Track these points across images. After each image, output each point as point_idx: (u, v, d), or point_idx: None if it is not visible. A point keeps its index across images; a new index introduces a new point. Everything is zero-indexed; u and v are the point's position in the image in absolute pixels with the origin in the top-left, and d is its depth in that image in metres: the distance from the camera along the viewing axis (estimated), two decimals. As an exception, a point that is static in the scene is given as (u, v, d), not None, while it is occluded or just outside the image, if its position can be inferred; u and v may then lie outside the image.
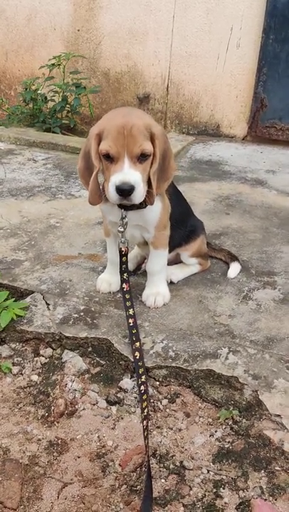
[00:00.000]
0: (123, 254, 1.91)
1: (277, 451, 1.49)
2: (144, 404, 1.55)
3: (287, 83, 4.03)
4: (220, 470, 1.46)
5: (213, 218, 2.80)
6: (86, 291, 2.10)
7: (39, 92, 4.33)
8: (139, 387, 1.62)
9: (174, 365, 1.73)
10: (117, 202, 1.68)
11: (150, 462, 1.45)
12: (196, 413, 1.64)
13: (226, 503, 1.37)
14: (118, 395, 1.69)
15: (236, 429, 1.57)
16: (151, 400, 1.67)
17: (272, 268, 2.32)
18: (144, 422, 1.49)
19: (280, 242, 2.57)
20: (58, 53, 4.29)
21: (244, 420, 1.58)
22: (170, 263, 2.15)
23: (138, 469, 1.47)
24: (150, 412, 1.63)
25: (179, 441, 1.55)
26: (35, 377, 1.77)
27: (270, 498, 1.38)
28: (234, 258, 2.29)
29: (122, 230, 1.84)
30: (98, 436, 1.56)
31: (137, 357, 1.71)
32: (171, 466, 1.47)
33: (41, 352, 1.86)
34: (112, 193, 1.64)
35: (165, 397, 1.69)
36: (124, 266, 1.92)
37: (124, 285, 1.90)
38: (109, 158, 1.63)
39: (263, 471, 1.45)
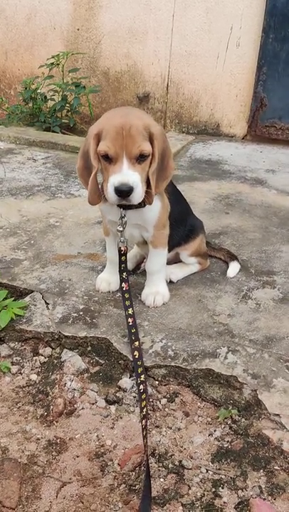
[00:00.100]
0: (122, 254, 1.91)
1: (276, 450, 1.49)
2: (143, 403, 1.55)
3: (287, 82, 4.03)
4: (219, 469, 1.46)
5: (213, 217, 2.79)
6: (85, 290, 2.10)
7: (39, 91, 4.33)
8: (138, 386, 1.62)
9: (173, 364, 1.73)
10: (116, 202, 1.69)
11: (149, 461, 1.45)
12: (195, 412, 1.64)
13: (224, 502, 1.37)
14: (117, 394, 1.69)
15: (235, 428, 1.57)
16: (151, 400, 1.67)
17: (272, 267, 2.32)
18: (143, 421, 1.49)
19: (279, 241, 2.57)
20: (57, 52, 4.28)
21: (243, 420, 1.58)
22: (169, 262, 2.15)
23: (137, 469, 1.47)
24: (149, 412, 1.63)
25: (178, 441, 1.55)
26: (34, 377, 1.77)
27: (269, 497, 1.38)
28: (233, 257, 2.29)
29: (121, 229, 1.83)
30: (97, 436, 1.56)
31: (136, 356, 1.71)
32: (170, 465, 1.47)
33: (40, 351, 1.85)
34: (110, 193, 1.64)
35: (164, 397, 1.69)
36: (123, 265, 1.92)
37: (123, 284, 1.89)
38: (108, 158, 1.63)
39: (262, 471, 1.45)
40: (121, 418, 1.62)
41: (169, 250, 2.04)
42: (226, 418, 1.59)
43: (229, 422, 1.59)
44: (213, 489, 1.40)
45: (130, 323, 1.80)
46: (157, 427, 1.59)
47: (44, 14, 4.62)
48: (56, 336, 1.86)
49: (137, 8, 4.28)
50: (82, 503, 1.37)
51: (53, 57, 4.24)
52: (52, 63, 4.24)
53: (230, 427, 1.57)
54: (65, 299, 2.04)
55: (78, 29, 4.55)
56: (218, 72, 4.23)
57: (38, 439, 1.55)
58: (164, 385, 1.72)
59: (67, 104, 4.27)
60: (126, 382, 1.72)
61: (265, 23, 3.91)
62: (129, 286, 1.89)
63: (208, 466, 1.47)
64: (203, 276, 2.23)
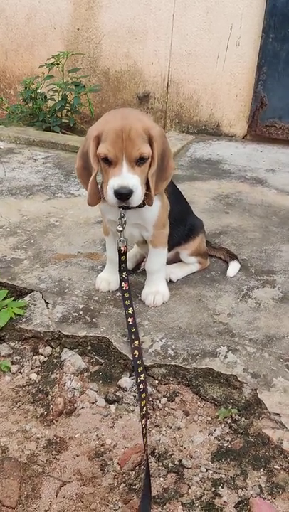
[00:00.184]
0: (122, 253, 1.91)
1: (276, 449, 1.49)
2: (143, 402, 1.55)
3: (287, 82, 4.02)
4: (219, 469, 1.46)
5: (213, 217, 2.79)
6: (85, 289, 2.10)
7: (39, 91, 4.33)
8: (138, 385, 1.62)
9: (173, 363, 1.73)
10: (116, 205, 1.69)
11: (149, 461, 1.45)
12: (195, 412, 1.63)
13: (224, 501, 1.37)
14: (117, 393, 1.69)
15: (235, 427, 1.56)
16: (150, 399, 1.67)
17: (272, 267, 2.32)
18: (143, 420, 1.49)
19: (279, 241, 2.57)
20: (57, 52, 4.28)
21: (243, 419, 1.58)
22: (169, 262, 2.15)
23: (137, 468, 1.46)
24: (149, 411, 1.63)
25: (178, 440, 1.55)
26: (34, 376, 1.77)
27: (269, 496, 1.38)
28: (233, 257, 2.29)
29: (121, 229, 1.83)
30: (97, 435, 1.56)
31: (136, 355, 1.70)
32: (170, 464, 1.47)
33: (40, 351, 1.85)
34: (110, 196, 1.64)
35: (164, 396, 1.69)
36: (123, 265, 1.92)
37: (123, 284, 1.89)
38: (107, 161, 1.63)
39: (261, 470, 1.45)
40: (121, 417, 1.62)
41: (169, 250, 2.04)
42: (225, 417, 1.59)
43: (229, 421, 1.59)
44: (213, 488, 1.40)
45: (130, 323, 1.80)
46: (157, 426, 1.59)
47: (44, 14, 4.62)
48: (56, 336, 1.86)
49: (137, 7, 4.28)
50: (82, 502, 1.37)
51: (53, 57, 4.24)
52: (52, 63, 4.24)
53: (230, 426, 1.57)
54: (65, 298, 2.04)
55: (78, 29, 4.55)
56: (218, 72, 4.23)
57: (38, 438, 1.55)
58: (164, 384, 1.71)
59: (67, 104, 4.27)
60: (126, 381, 1.71)
61: (265, 23, 3.91)
62: (129, 286, 1.89)
63: (208, 465, 1.47)
64: (203, 276, 2.22)
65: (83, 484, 1.42)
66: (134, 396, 1.68)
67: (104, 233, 2.05)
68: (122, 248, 1.90)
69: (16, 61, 4.91)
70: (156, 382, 1.72)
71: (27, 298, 2.04)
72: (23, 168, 3.45)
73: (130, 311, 1.83)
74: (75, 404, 1.66)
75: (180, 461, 1.48)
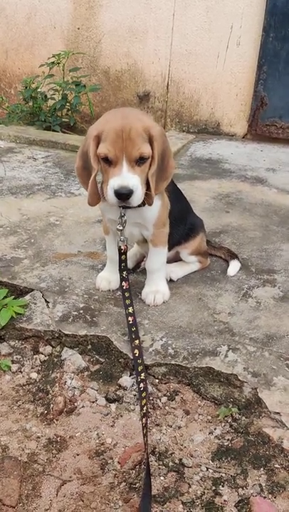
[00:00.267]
0: (122, 253, 1.91)
1: (277, 448, 1.49)
2: (144, 401, 1.55)
3: (288, 81, 4.02)
4: (219, 468, 1.46)
5: (213, 216, 2.79)
6: (85, 289, 2.10)
7: (39, 90, 4.32)
8: (139, 384, 1.62)
9: (173, 362, 1.73)
10: (116, 204, 1.70)
11: (149, 460, 1.45)
12: (196, 411, 1.63)
13: (225, 500, 1.37)
14: (117, 392, 1.69)
15: (236, 426, 1.56)
16: (151, 398, 1.67)
17: (272, 266, 2.32)
18: (144, 419, 1.49)
19: (280, 240, 2.57)
20: (58, 52, 4.28)
21: (243, 418, 1.58)
22: (170, 261, 2.14)
23: (137, 467, 1.46)
24: (149, 410, 1.63)
25: (178, 439, 1.55)
26: (34, 375, 1.77)
27: (270, 495, 1.38)
28: (234, 256, 2.29)
29: (121, 228, 1.83)
30: (97, 434, 1.56)
31: (137, 354, 1.70)
32: (171, 463, 1.47)
33: (40, 350, 1.85)
34: (110, 195, 1.64)
35: (164, 395, 1.69)
36: (123, 264, 1.92)
37: (123, 283, 1.89)
38: (107, 161, 1.63)
39: (262, 469, 1.45)
40: (121, 416, 1.62)
41: (169, 249, 2.04)
42: (226, 416, 1.59)
43: (229, 420, 1.59)
44: (214, 487, 1.40)
45: (130, 322, 1.79)
46: (157, 425, 1.59)
47: (44, 13, 4.62)
48: (56, 335, 1.86)
49: (137, 7, 4.27)
50: (83, 501, 1.37)
51: (53, 56, 4.24)
52: (52, 62, 4.23)
53: (231, 425, 1.57)
54: (66, 297, 2.04)
55: (78, 28, 4.55)
56: (219, 71, 4.23)
57: (38, 437, 1.55)
58: (165, 384, 1.71)
59: (67, 103, 4.26)
60: (126, 380, 1.71)
61: (266, 22, 3.91)
62: (129, 285, 1.89)
63: (209, 464, 1.47)
64: (204, 275, 2.22)
65: (83, 483, 1.42)
66: (135, 395, 1.68)
67: (104, 232, 2.05)
68: (123, 247, 1.90)
69: (17, 60, 4.90)
70: (157, 381, 1.72)
71: (27, 297, 2.03)
72: (24, 167, 3.45)
73: (130, 310, 1.83)
74: (75, 403, 1.66)
75: (180, 460, 1.48)
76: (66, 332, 1.85)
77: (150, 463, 1.46)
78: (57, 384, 1.72)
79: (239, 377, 1.67)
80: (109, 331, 1.85)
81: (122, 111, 1.71)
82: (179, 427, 1.58)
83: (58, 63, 4.25)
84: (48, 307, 1.98)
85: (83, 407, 1.65)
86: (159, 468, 1.46)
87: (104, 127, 1.63)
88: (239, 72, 4.18)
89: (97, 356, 1.81)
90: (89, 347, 1.83)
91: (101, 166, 1.68)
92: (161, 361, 1.74)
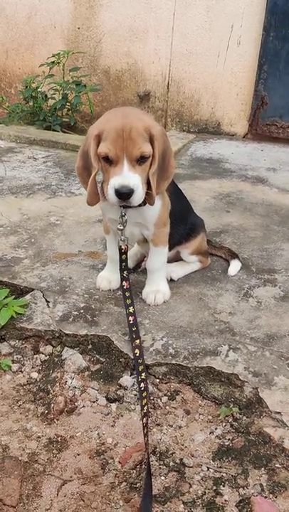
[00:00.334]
0: (123, 252, 1.91)
1: (278, 448, 1.49)
2: (144, 401, 1.55)
3: (288, 81, 4.01)
4: (220, 467, 1.45)
5: (214, 216, 2.79)
6: (86, 288, 2.10)
7: (39, 90, 4.32)
8: (139, 384, 1.62)
9: (174, 362, 1.73)
10: (117, 204, 1.69)
11: (150, 459, 1.45)
12: (196, 410, 1.63)
13: (226, 500, 1.36)
14: (118, 392, 1.69)
15: (236, 426, 1.56)
16: (151, 397, 1.67)
17: (273, 265, 2.32)
18: (144, 419, 1.49)
19: (280, 239, 2.56)
20: (58, 51, 4.27)
21: (244, 417, 1.58)
22: (170, 260, 2.14)
23: (138, 467, 1.46)
24: (150, 410, 1.63)
25: (179, 439, 1.54)
26: (34, 375, 1.77)
27: (271, 495, 1.37)
28: (234, 255, 2.29)
29: (122, 227, 1.83)
30: (98, 434, 1.56)
31: (137, 354, 1.70)
32: (171, 463, 1.47)
33: (41, 349, 1.85)
34: (111, 195, 1.64)
35: (165, 395, 1.68)
36: (124, 264, 1.91)
37: (124, 283, 1.89)
38: (108, 160, 1.63)
39: (263, 469, 1.44)
40: (122, 416, 1.62)
41: (170, 249, 2.03)
42: (227, 416, 1.59)
43: (230, 419, 1.58)
44: (214, 487, 1.40)
45: (131, 322, 1.79)
46: (158, 425, 1.59)
47: (44, 13, 4.62)
48: (57, 334, 1.86)
49: (137, 6, 4.27)
50: (83, 501, 1.36)
51: (53, 55, 4.24)
52: (52, 62, 4.23)
53: (232, 425, 1.57)
54: (66, 297, 2.04)
55: (79, 28, 4.55)
56: (219, 71, 4.23)
57: (39, 437, 1.55)
58: (165, 383, 1.71)
59: (67, 103, 4.26)
60: (127, 380, 1.71)
61: (266, 22, 3.90)
62: (129, 285, 1.89)
63: (209, 464, 1.47)
64: (204, 275, 2.22)
65: (84, 483, 1.42)
66: (135, 395, 1.67)
67: (104, 232, 2.05)
68: (123, 247, 1.90)
69: (17, 60, 4.90)
70: (157, 380, 1.72)
71: (28, 297, 2.03)
72: (24, 167, 3.45)
73: (131, 309, 1.83)
74: (75, 403, 1.66)
75: (181, 459, 1.48)
76: (67, 332, 1.85)
77: (151, 463, 1.46)
78: (57, 384, 1.72)
79: (240, 377, 1.67)
80: (109, 331, 1.85)
81: (123, 110, 1.71)
82: (180, 427, 1.58)
83: (58, 63, 4.25)
84: (49, 307, 1.98)
85: (84, 406, 1.65)
86: (160, 468, 1.46)
87: (105, 126, 1.62)
88: (240, 72, 4.18)
89: (97, 356, 1.81)
90: (89, 347, 1.83)
91: (102, 165, 1.68)
92: (161, 361, 1.74)
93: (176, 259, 2.20)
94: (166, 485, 1.41)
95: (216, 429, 1.57)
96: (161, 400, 1.67)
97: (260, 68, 4.04)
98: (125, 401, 1.66)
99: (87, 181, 1.73)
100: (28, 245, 2.42)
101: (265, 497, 1.37)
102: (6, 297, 1.95)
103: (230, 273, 2.23)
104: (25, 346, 1.87)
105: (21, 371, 1.79)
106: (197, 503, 1.36)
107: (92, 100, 4.54)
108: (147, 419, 1.51)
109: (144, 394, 1.58)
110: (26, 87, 4.31)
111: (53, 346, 1.85)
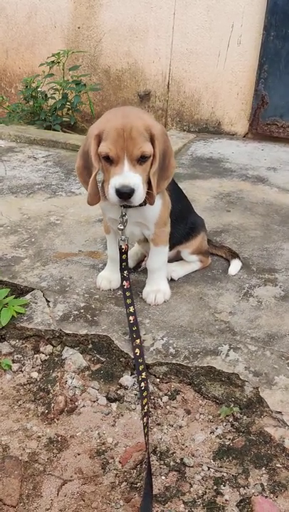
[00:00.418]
0: (123, 252, 1.90)
1: (278, 448, 1.49)
2: (145, 401, 1.55)
3: (288, 80, 4.01)
4: (220, 467, 1.45)
5: (214, 215, 2.79)
6: (86, 288, 2.10)
7: (39, 89, 4.32)
8: (140, 384, 1.62)
9: (174, 362, 1.72)
10: (117, 204, 1.69)
11: (150, 459, 1.45)
12: (197, 410, 1.63)
13: (226, 500, 1.36)
14: (118, 391, 1.69)
15: (237, 426, 1.56)
16: (152, 397, 1.67)
17: (273, 265, 2.32)
18: (145, 418, 1.49)
19: (281, 239, 2.56)
20: (58, 51, 4.27)
21: (245, 417, 1.58)
22: (171, 260, 2.14)
23: (138, 466, 1.46)
24: (150, 409, 1.63)
25: (180, 438, 1.54)
26: (35, 374, 1.76)
27: (271, 495, 1.37)
28: (235, 255, 2.29)
29: (122, 227, 1.83)
30: (98, 433, 1.56)
31: (138, 354, 1.70)
32: (172, 463, 1.47)
33: (41, 349, 1.85)
34: (111, 195, 1.64)
35: (165, 394, 1.68)
36: (124, 263, 1.91)
37: (124, 283, 1.89)
38: (108, 160, 1.62)
39: (263, 468, 1.44)
40: (122, 416, 1.62)
41: (170, 248, 2.03)
42: (227, 416, 1.59)
43: (231, 419, 1.58)
44: (215, 487, 1.40)
45: (131, 321, 1.79)
46: (158, 424, 1.59)
47: (45, 12, 4.61)
48: (57, 334, 1.86)
49: (137, 6, 4.27)
50: (84, 500, 1.36)
51: (53, 55, 4.24)
52: (52, 61, 4.23)
53: (232, 425, 1.57)
54: (66, 296, 2.04)
55: (79, 27, 4.54)
56: (219, 70, 4.22)
57: (39, 436, 1.55)
58: (166, 383, 1.71)
59: (67, 103, 4.26)
60: (127, 379, 1.71)
61: (266, 21, 3.90)
62: (130, 284, 1.89)
63: (210, 463, 1.46)
64: (205, 274, 2.22)
65: (84, 483, 1.41)
66: (136, 394, 1.67)
67: (105, 231, 2.05)
68: (123, 246, 1.90)
69: (17, 60, 4.90)
70: (158, 380, 1.72)
71: (28, 296, 2.03)
72: (24, 166, 3.45)
73: (131, 309, 1.83)
74: (76, 403, 1.66)
75: (182, 459, 1.47)
76: (67, 331, 1.85)
77: (151, 462, 1.45)
78: (58, 383, 1.72)
79: (240, 377, 1.66)
80: (110, 331, 1.85)
81: (123, 110, 1.70)
82: (180, 427, 1.58)
83: (58, 62, 4.25)
84: (49, 306, 1.98)
85: (84, 406, 1.65)
86: (160, 467, 1.46)
87: (105, 126, 1.62)
88: (240, 71, 4.17)
89: (98, 355, 1.80)
90: (90, 346, 1.82)
91: (102, 165, 1.67)
92: (162, 360, 1.73)
93: (176, 258, 2.19)
94: (167, 485, 1.41)
95: (216, 428, 1.56)
96: (161, 399, 1.67)
97: (260, 68, 4.04)
98: (126, 401, 1.66)
99: (87, 181, 1.73)
100: (28, 245, 2.42)
101: (266, 497, 1.36)
102: (6, 297, 1.95)
103: (230, 272, 2.22)
104: (26, 346, 1.87)
105: (21, 371, 1.79)
106: (198, 502, 1.36)
107: (93, 100, 4.54)
108: (148, 419, 1.51)
109: (145, 393, 1.58)
110: (26, 86, 4.31)
111: (53, 346, 1.85)
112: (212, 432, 1.55)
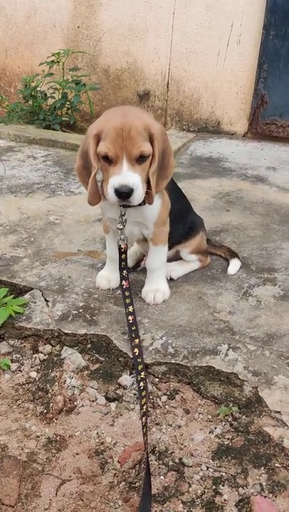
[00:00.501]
0: (122, 251, 1.90)
1: (277, 447, 1.49)
2: (144, 400, 1.54)
3: (288, 80, 4.01)
4: (219, 467, 1.45)
5: (214, 215, 2.78)
6: (85, 287, 2.09)
7: (39, 89, 4.32)
8: (139, 383, 1.61)
9: (173, 361, 1.72)
10: (116, 203, 1.69)
11: (149, 459, 1.45)
12: (196, 410, 1.63)
13: (225, 500, 1.36)
14: (117, 391, 1.68)
15: (236, 425, 1.56)
16: (151, 397, 1.67)
17: (273, 265, 2.31)
18: (143, 418, 1.48)
19: (280, 238, 2.56)
20: (57, 50, 4.27)
21: (244, 417, 1.58)
22: (170, 260, 2.14)
23: (137, 466, 1.46)
24: (149, 409, 1.63)
25: (179, 438, 1.54)
26: (33, 374, 1.76)
27: (270, 495, 1.37)
28: (234, 255, 2.28)
29: (121, 227, 1.83)
30: (97, 433, 1.56)
31: (136, 353, 1.70)
32: (171, 462, 1.47)
33: (40, 349, 1.85)
34: (111, 194, 1.63)
35: (164, 394, 1.68)
36: (123, 263, 1.91)
37: (123, 282, 1.89)
38: (107, 159, 1.62)
39: (262, 468, 1.44)
40: (121, 415, 1.62)
41: (170, 248, 2.03)
42: (226, 415, 1.59)
43: (230, 419, 1.58)
44: (214, 487, 1.39)
45: (130, 321, 1.79)
46: (157, 424, 1.59)
47: (44, 12, 4.61)
48: (56, 334, 1.85)
49: (137, 5, 4.26)
50: (82, 500, 1.36)
51: (53, 54, 4.23)
52: (52, 61, 4.23)
53: (231, 425, 1.56)
54: (65, 296, 2.03)
55: (78, 27, 4.54)
56: (219, 70, 4.22)
57: (38, 436, 1.55)
58: (165, 382, 1.71)
59: (67, 102, 4.26)
60: (126, 379, 1.71)
61: (266, 20, 3.90)
62: (129, 284, 1.89)
63: (209, 463, 1.46)
64: (204, 274, 2.22)
65: (83, 482, 1.41)
66: (135, 394, 1.67)
67: (104, 231, 2.05)
68: (123, 246, 1.89)
69: (16, 59, 4.89)
70: (157, 380, 1.71)
71: (27, 296, 2.03)
72: (23, 166, 3.45)
73: (130, 309, 1.83)
74: (75, 403, 1.65)
75: (180, 459, 1.47)
76: (66, 331, 1.85)
77: (150, 462, 1.45)
78: (56, 383, 1.71)
79: (239, 376, 1.66)
80: (109, 330, 1.85)
81: (122, 109, 1.70)
82: (179, 426, 1.58)
83: (58, 62, 4.25)
84: (48, 306, 1.97)
85: (83, 406, 1.65)
86: (159, 467, 1.45)
87: (104, 126, 1.62)
88: (239, 71, 4.17)
89: (96, 355, 1.80)
90: (89, 346, 1.82)
91: (101, 164, 1.67)
92: (161, 360, 1.73)
93: (175, 258, 2.19)
94: (166, 484, 1.41)
95: (215, 428, 1.56)
96: (160, 399, 1.66)
97: (259, 67, 4.04)
98: (124, 400, 1.66)
99: (87, 181, 1.73)
100: (27, 244, 2.42)
101: (265, 496, 1.36)
102: (5, 296, 1.94)
103: (229, 272, 2.22)
104: (25, 345, 1.87)
105: (20, 370, 1.78)
106: (196, 502, 1.35)
107: (92, 99, 4.53)
108: (146, 419, 1.51)
109: (144, 393, 1.57)
110: (26, 86, 4.31)
111: (52, 345, 1.85)
112: (211, 432, 1.55)
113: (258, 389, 1.62)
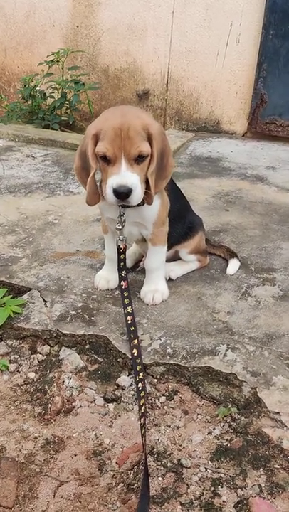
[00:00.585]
0: (121, 252, 1.90)
1: (276, 448, 1.48)
2: (142, 401, 1.54)
3: (288, 79, 4.00)
4: (218, 468, 1.44)
5: (213, 215, 2.78)
6: (84, 288, 2.09)
7: (38, 88, 4.31)
8: (137, 384, 1.61)
9: (172, 362, 1.72)
10: (115, 204, 1.68)
11: (147, 460, 1.44)
12: (194, 410, 1.62)
13: (224, 501, 1.35)
14: (116, 392, 1.68)
15: (235, 426, 1.55)
16: (149, 398, 1.66)
17: (272, 265, 2.31)
18: (142, 419, 1.48)
19: (279, 238, 2.55)
20: (57, 50, 4.26)
21: (243, 418, 1.57)
22: (169, 260, 2.13)
23: (135, 467, 1.45)
24: (148, 410, 1.62)
25: (177, 439, 1.53)
26: (32, 375, 1.76)
27: (269, 496, 1.37)
28: (233, 255, 2.28)
29: (120, 227, 1.82)
30: (95, 434, 1.55)
31: (135, 354, 1.69)
32: (169, 464, 1.46)
33: (38, 349, 1.84)
34: (109, 194, 1.63)
35: (163, 395, 1.67)
36: (122, 263, 1.90)
37: (122, 283, 1.88)
38: (106, 159, 1.61)
39: (261, 469, 1.43)
40: (119, 416, 1.61)
41: (169, 248, 2.02)
42: (225, 416, 1.58)
43: (228, 420, 1.58)
44: (212, 488, 1.39)
45: (129, 321, 1.78)
46: (156, 425, 1.58)
47: (43, 11, 4.60)
48: (54, 334, 1.85)
49: (136, 4, 4.26)
50: (80, 502, 1.35)
51: (52, 54, 4.23)
52: (51, 60, 4.22)
53: (230, 425, 1.56)
54: (64, 296, 2.03)
55: (78, 26, 4.53)
56: (218, 69, 4.21)
57: (36, 437, 1.54)
58: (163, 383, 1.70)
59: (66, 102, 4.25)
60: (124, 380, 1.70)
61: (266, 20, 3.89)
62: (128, 284, 1.88)
63: (208, 464, 1.46)
64: (203, 274, 2.21)
65: (81, 484, 1.41)
66: (133, 395, 1.67)
67: (103, 231, 2.04)
68: (121, 246, 1.89)
69: (15, 59, 4.89)
70: (155, 380, 1.71)
71: (25, 296, 2.02)
72: (22, 165, 3.44)
73: (129, 309, 1.82)
74: (73, 403, 1.65)
75: (179, 460, 1.47)
76: (64, 331, 1.84)
77: (148, 463, 1.45)
78: (55, 384, 1.71)
79: (238, 377, 1.66)
80: (107, 331, 1.84)
81: (121, 109, 1.69)
82: (178, 427, 1.57)
83: (57, 61, 4.24)
84: (46, 306, 1.97)
85: (81, 407, 1.64)
86: (158, 468, 1.45)
87: (103, 125, 1.61)
88: (239, 70, 4.16)
89: (95, 356, 1.80)
90: (87, 346, 1.82)
91: (100, 164, 1.66)
92: (159, 361, 1.73)
93: (174, 258, 2.18)
94: (164, 486, 1.40)
95: (214, 429, 1.56)
96: (159, 400, 1.66)
97: (259, 66, 4.03)
98: (123, 401, 1.65)
99: (86, 181, 1.72)
100: (25, 244, 2.41)
101: (264, 498, 1.36)
102: (4, 296, 1.94)
103: (229, 272, 2.22)
104: (23, 346, 1.86)
105: (18, 371, 1.78)
106: (195, 504, 1.35)
107: (91, 99, 4.52)
108: (145, 420, 1.50)
109: (142, 394, 1.57)
110: (25, 85, 4.30)
111: (51, 346, 1.84)
112: (210, 433, 1.55)
113: (257, 389, 1.62)
